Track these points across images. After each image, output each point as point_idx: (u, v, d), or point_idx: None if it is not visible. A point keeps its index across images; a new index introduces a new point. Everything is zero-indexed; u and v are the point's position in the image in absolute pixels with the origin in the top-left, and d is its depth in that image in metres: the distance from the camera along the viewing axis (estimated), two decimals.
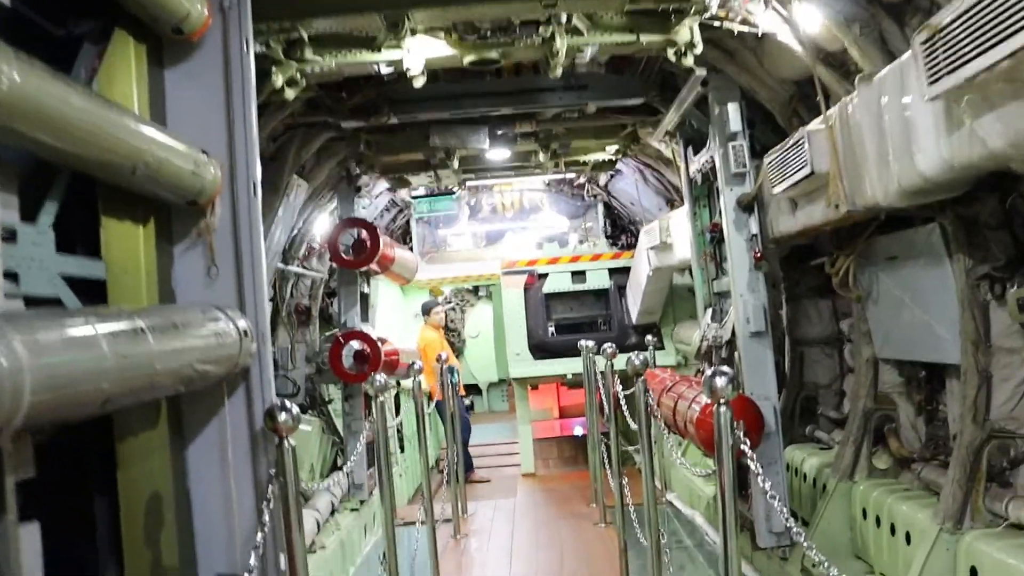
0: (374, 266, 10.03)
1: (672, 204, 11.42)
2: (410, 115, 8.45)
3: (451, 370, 11.80)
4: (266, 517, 3.86)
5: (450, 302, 21.49)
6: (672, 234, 10.36)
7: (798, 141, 5.62)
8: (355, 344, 9.72)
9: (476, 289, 21.74)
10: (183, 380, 3.35)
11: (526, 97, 8.45)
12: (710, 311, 8.64)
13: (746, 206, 7.22)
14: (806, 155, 5.50)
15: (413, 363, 9.13)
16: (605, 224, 15.09)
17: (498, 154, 10.50)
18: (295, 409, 4.04)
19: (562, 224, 15.50)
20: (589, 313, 14.10)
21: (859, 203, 5.23)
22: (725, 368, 4.10)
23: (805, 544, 3.88)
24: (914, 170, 4.44)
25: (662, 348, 13.07)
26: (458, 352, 21.06)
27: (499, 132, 9.61)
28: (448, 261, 15.62)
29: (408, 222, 15.44)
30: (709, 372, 4.08)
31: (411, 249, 14.34)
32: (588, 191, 14.65)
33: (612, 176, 13.36)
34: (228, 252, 4.24)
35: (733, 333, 7.64)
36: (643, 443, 6.57)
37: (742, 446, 4.03)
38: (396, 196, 13.90)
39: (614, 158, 11.15)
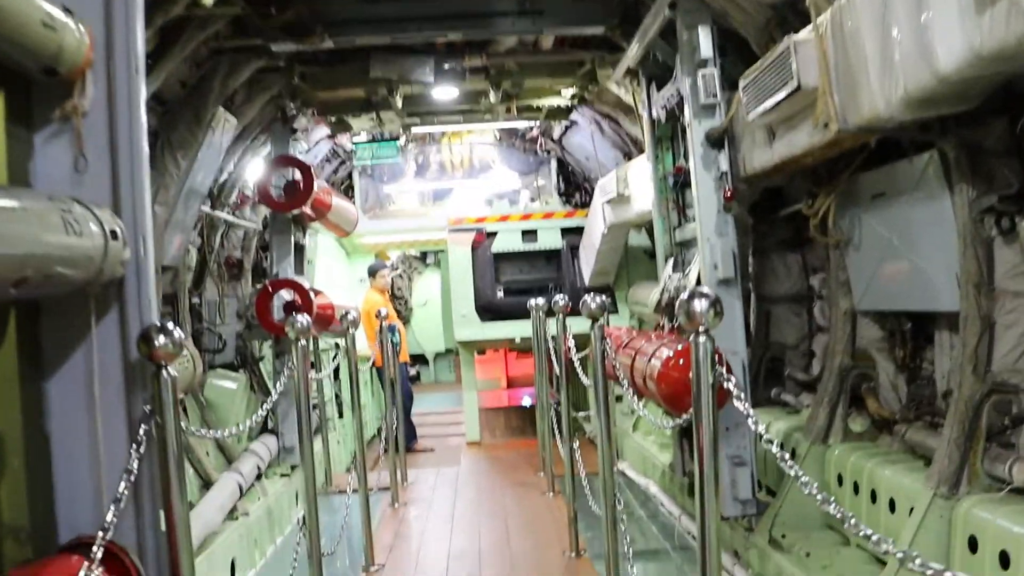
0: (308, 211, 9.22)
1: (630, 158, 10.72)
2: (347, 38, 7.61)
3: (391, 329, 11.03)
4: (134, 464, 3.11)
5: (397, 268, 20.83)
6: (630, 185, 9.68)
7: (782, 54, 4.92)
8: (285, 294, 8.93)
9: (424, 256, 21.09)
10: (13, 277, 2.57)
11: (476, 23, 7.66)
12: (671, 262, 7.95)
13: (716, 140, 6.52)
14: (792, 68, 4.80)
15: (347, 313, 8.35)
16: (558, 181, 14.35)
17: (445, 92, 9.70)
18: (178, 333, 3.28)
19: (513, 181, 14.73)
20: (540, 275, 13.41)
21: (852, 120, 4.55)
22: (707, 289, 3.40)
23: (799, 476, 3.16)
24: (927, 71, 3.76)
25: (615, 311, 12.46)
26: (405, 320, 20.42)
27: (446, 66, 8.82)
28: (392, 218, 14.80)
29: (351, 175, 14.58)
30: (686, 295, 3.39)
31: (353, 203, 13.49)
32: (541, 145, 13.89)
33: (567, 128, 12.62)
34: (101, 140, 3.44)
35: (698, 283, 6.96)
36: (597, 395, 5.88)
37: (726, 383, 3.34)
38: (338, 145, 13.05)
39: (570, 104, 10.40)
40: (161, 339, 3.22)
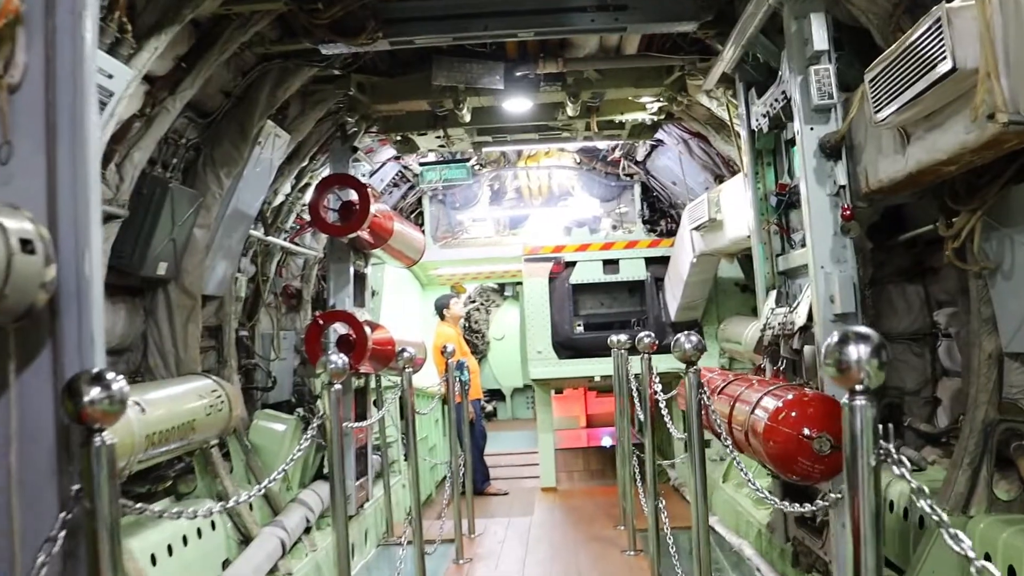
0: (365, 235, 8.35)
1: (721, 182, 9.71)
2: (405, 37, 6.75)
3: (459, 366, 10.14)
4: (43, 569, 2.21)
5: (474, 301, 20.19)
6: (723, 209, 8.67)
7: (930, 28, 3.90)
8: (338, 328, 8.08)
9: (502, 288, 20.38)
10: None
11: (550, 19, 6.73)
12: (773, 294, 6.92)
13: (832, 149, 5.48)
14: (944, 46, 3.78)
15: (402, 351, 7.48)
16: (642, 208, 13.33)
17: (518, 104, 8.78)
18: (118, 384, 2.39)
19: (594, 208, 13.76)
20: (622, 309, 12.44)
21: None
22: (866, 330, 2.39)
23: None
24: None
25: (704, 349, 11.41)
26: (481, 355, 19.69)
27: (518, 73, 7.93)
28: (465, 247, 13.95)
29: (420, 200, 13.79)
30: (835, 337, 2.40)
31: (423, 232, 12.67)
32: (624, 168, 12.89)
33: (653, 149, 11.64)
34: (36, 124, 2.60)
35: (809, 318, 5.92)
36: (692, 452, 4.90)
37: (898, 469, 2.33)
38: (406, 168, 12.27)
39: (656, 118, 9.41)
40: (95, 392, 2.34)
